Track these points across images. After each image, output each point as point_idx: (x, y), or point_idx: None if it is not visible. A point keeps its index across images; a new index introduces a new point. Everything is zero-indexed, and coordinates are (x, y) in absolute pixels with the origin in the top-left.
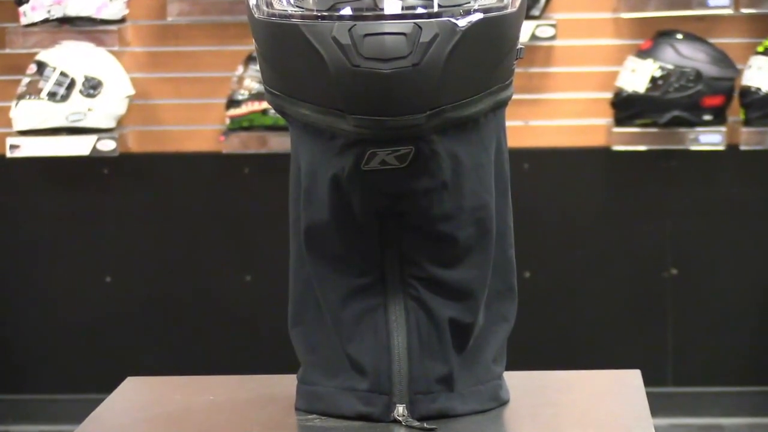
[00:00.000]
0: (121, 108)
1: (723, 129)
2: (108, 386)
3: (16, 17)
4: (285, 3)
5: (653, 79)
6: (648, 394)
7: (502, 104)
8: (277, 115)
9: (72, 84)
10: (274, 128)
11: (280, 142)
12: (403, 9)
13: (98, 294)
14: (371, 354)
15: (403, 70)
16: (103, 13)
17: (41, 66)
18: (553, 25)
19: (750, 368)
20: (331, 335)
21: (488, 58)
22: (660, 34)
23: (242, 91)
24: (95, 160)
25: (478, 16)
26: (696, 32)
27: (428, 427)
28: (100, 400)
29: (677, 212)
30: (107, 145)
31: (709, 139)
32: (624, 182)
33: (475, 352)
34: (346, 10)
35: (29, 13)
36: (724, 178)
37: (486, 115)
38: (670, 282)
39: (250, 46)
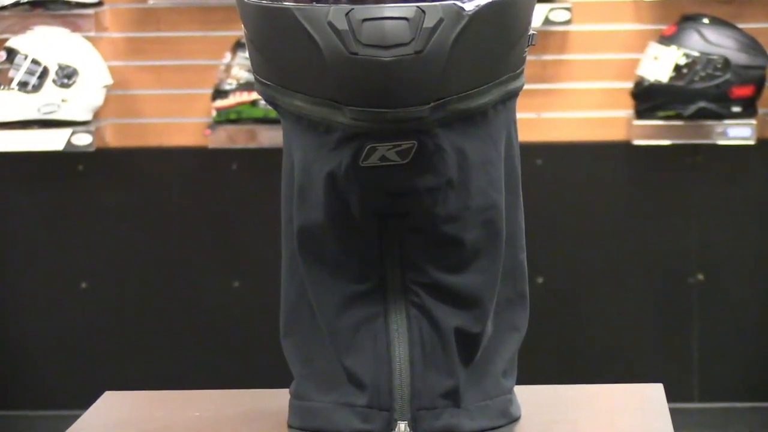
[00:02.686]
0: (97, 99)
1: (753, 122)
2: (84, 401)
3: None
4: None
5: (677, 68)
6: (671, 410)
7: (513, 95)
8: (268, 107)
9: (45, 73)
10: (264, 121)
11: (270, 136)
12: None
13: (73, 301)
14: (370, 366)
15: (404, 57)
16: None
17: (11, 53)
18: (568, 9)
19: None
20: (326, 346)
21: (497, 44)
22: (685, 19)
23: (230, 81)
24: (70, 155)
25: None
26: (724, 16)
27: None
28: (76, 417)
29: (703, 212)
30: (83, 140)
31: (738, 132)
32: (645, 179)
33: (483, 364)
34: None
35: None
36: (755, 174)
37: (495, 106)
38: (695, 288)
39: (239, 32)
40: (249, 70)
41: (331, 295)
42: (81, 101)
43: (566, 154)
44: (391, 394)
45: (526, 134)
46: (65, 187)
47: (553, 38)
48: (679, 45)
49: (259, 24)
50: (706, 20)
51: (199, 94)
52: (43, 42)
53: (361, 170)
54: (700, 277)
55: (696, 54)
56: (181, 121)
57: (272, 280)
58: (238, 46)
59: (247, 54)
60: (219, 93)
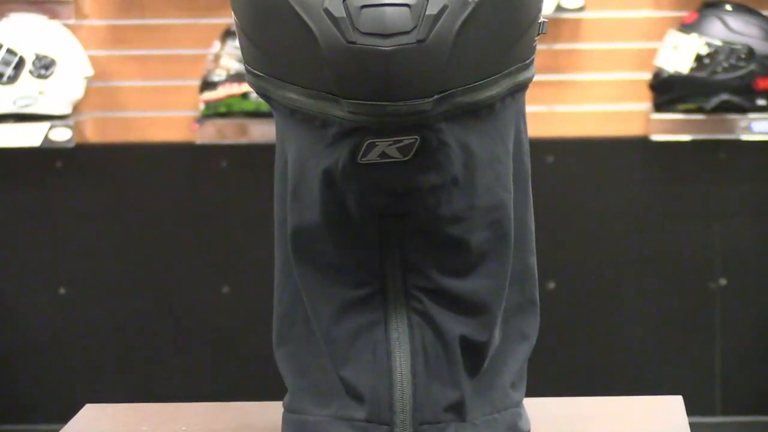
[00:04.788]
0: (77, 91)
1: None
2: (63, 415)
3: None
4: None
5: (698, 58)
6: (692, 425)
7: (522, 87)
8: (260, 100)
9: (21, 63)
10: (256, 115)
11: (262, 131)
12: None
13: (51, 308)
14: (369, 378)
15: (406, 47)
16: None
17: None
18: None
19: None
20: (322, 356)
21: (505, 33)
22: (706, 5)
23: (219, 72)
24: (47, 151)
25: None
26: (748, 3)
27: None
28: None
29: (726, 212)
30: (61, 135)
31: (763, 127)
32: (665, 177)
33: (490, 375)
34: None
35: None
36: None
37: (503, 99)
38: (718, 294)
39: (229, 19)
40: (239, 60)
41: (328, 301)
42: (60, 94)
43: (579, 150)
44: (392, 408)
45: (536, 129)
46: (42, 185)
47: (565, 26)
48: (700, 33)
49: (251, 11)
50: (728, 7)
51: (186, 86)
52: (19, 30)
53: (359, 168)
54: (723, 282)
55: (718, 43)
56: (167, 114)
57: (264, 285)
58: (227, 34)
59: (237, 43)
60: (207, 85)
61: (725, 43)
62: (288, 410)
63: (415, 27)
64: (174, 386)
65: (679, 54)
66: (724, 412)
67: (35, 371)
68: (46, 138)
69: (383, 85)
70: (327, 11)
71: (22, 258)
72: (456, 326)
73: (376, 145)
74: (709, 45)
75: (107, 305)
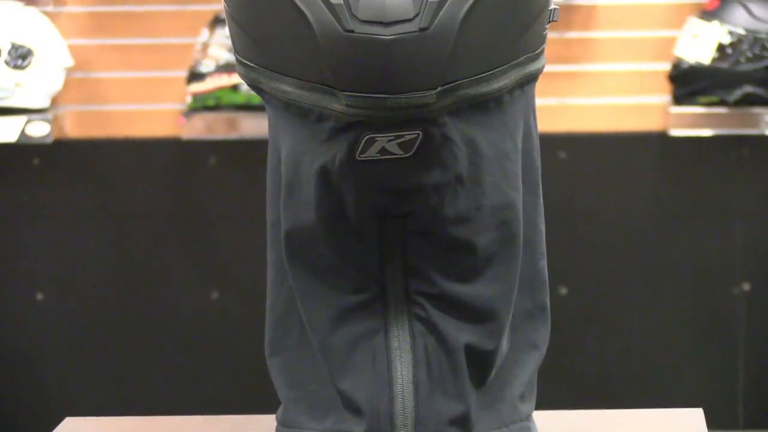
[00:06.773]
0: (56, 83)
1: None
2: (41, 429)
3: None
4: None
5: (720, 47)
6: None
7: (532, 79)
8: (251, 92)
9: None
10: (247, 108)
11: (254, 126)
12: None
13: (27, 315)
14: (368, 389)
15: (407, 35)
16: None
17: None
18: None
19: None
20: (318, 366)
21: (514, 21)
22: None
23: (207, 62)
24: (24, 147)
25: None
26: None
27: None
28: None
29: (750, 212)
30: (39, 129)
31: None
32: (684, 175)
33: (497, 386)
34: None
35: None
36: None
37: (511, 92)
38: (741, 299)
39: (218, 6)
40: (229, 50)
41: (324, 307)
42: (37, 86)
43: (593, 146)
44: (393, 421)
45: (547, 123)
46: (19, 183)
47: (578, 13)
48: (722, 21)
49: None
50: None
51: (172, 77)
52: None
53: (357, 164)
54: (746, 287)
55: (741, 31)
56: (152, 108)
57: (256, 290)
58: (216, 22)
59: (227, 31)
60: (195, 76)
61: (749, 31)
62: (282, 424)
63: (417, 14)
64: (159, 398)
65: (700, 43)
66: (747, 426)
67: (11, 382)
68: (22, 133)
69: (383, 76)
70: None
71: None
72: (461, 334)
73: (376, 141)
74: (731, 33)
75: (88, 312)
